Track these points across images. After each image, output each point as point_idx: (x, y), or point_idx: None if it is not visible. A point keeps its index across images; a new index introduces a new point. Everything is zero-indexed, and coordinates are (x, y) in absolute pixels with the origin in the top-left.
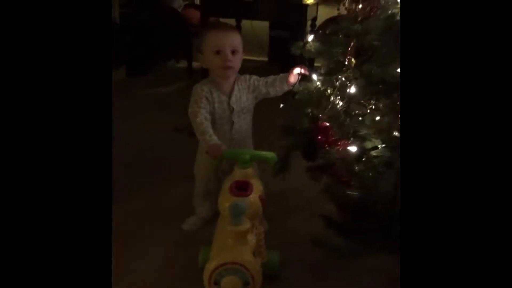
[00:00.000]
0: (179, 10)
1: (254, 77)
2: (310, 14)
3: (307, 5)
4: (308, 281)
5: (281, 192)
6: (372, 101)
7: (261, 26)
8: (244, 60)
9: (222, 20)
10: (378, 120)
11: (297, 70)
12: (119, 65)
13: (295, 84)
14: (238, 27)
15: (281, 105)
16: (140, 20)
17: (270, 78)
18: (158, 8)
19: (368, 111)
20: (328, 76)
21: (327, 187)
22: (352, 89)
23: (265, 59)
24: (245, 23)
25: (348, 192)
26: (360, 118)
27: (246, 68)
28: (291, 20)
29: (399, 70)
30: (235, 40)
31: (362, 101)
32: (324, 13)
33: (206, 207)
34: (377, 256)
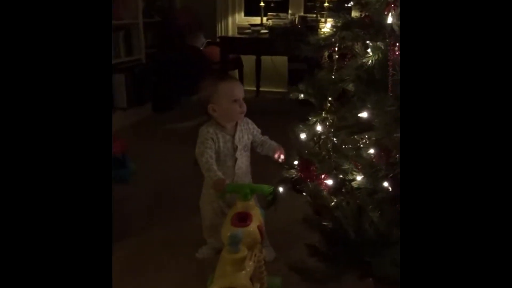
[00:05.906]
0: (202, 47)
1: (253, 125)
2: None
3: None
4: None
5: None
6: (364, 136)
7: (280, 60)
8: (265, 92)
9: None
10: (365, 154)
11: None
12: (145, 101)
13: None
14: (258, 61)
15: None
16: (165, 59)
17: (263, 139)
18: (181, 47)
19: (362, 145)
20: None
21: (306, 217)
22: (318, 127)
23: (285, 90)
24: (265, 57)
25: (323, 223)
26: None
27: (267, 99)
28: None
29: (365, 114)
30: (242, 90)
31: (355, 137)
32: None
33: (216, 238)
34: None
